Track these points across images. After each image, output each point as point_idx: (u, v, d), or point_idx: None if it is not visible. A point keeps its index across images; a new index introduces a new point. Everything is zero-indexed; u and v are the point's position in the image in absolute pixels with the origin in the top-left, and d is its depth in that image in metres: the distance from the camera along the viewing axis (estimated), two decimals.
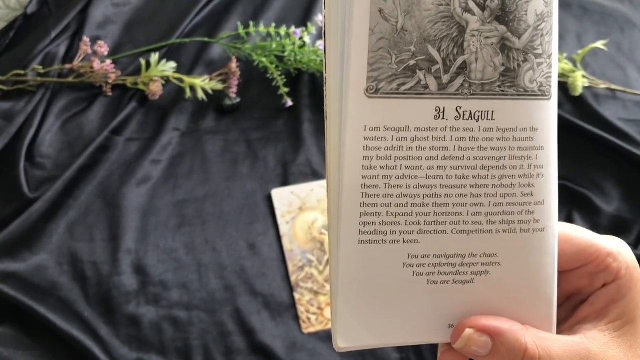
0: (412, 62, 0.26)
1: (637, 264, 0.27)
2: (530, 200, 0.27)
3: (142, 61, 0.74)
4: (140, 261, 0.62)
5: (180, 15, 0.80)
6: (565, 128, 0.70)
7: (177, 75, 0.74)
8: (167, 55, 0.77)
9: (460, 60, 0.26)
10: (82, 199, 0.66)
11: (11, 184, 0.67)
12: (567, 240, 0.28)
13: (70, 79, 0.74)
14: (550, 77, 0.27)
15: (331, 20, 0.25)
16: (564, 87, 0.72)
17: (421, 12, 0.25)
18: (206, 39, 0.79)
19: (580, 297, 0.28)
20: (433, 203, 0.27)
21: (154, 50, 0.77)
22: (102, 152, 0.70)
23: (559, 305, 0.28)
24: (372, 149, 0.26)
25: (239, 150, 0.71)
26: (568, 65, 0.71)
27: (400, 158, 0.26)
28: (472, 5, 0.26)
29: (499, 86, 0.26)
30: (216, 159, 0.70)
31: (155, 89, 0.73)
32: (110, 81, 0.74)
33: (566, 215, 0.64)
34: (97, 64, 0.73)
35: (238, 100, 0.74)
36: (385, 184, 0.26)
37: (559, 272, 0.28)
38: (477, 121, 0.26)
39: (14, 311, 0.59)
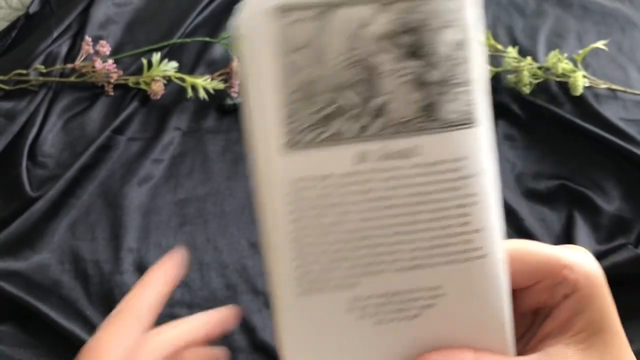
0: (328, 111, 0.25)
1: (600, 272, 0.27)
2: (467, 229, 0.26)
3: (144, 61, 0.74)
4: (142, 260, 0.63)
5: (182, 15, 0.80)
6: (565, 128, 0.70)
7: (179, 75, 0.74)
8: (169, 55, 0.77)
9: (376, 102, 0.25)
10: (83, 198, 0.67)
11: (13, 183, 0.67)
12: (520, 258, 0.27)
13: (72, 79, 0.75)
14: (472, 104, 0.26)
15: (246, 78, 0.25)
16: (564, 87, 0.72)
17: (330, 60, 0.25)
18: (208, 39, 0.79)
19: (545, 313, 0.27)
20: (368, 245, 0.26)
21: (156, 50, 0.77)
22: (104, 152, 0.70)
23: (528, 324, 0.28)
24: (299, 200, 0.25)
25: (240, 150, 0.71)
26: (569, 65, 0.72)
27: (329, 206, 0.25)
28: (382, 46, 0.25)
29: (422, 121, 0.26)
30: (217, 159, 0.70)
31: (157, 89, 0.73)
32: (112, 81, 0.74)
33: (566, 215, 0.64)
34: (98, 64, 0.73)
35: (239, 99, 0.75)
36: (317, 233, 0.25)
37: (519, 290, 0.27)
38: (401, 159, 0.26)
39: (15, 309, 0.59)
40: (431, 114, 0.26)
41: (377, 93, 0.25)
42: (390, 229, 0.26)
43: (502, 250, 0.27)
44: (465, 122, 0.26)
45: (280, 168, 0.25)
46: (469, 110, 0.26)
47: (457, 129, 0.26)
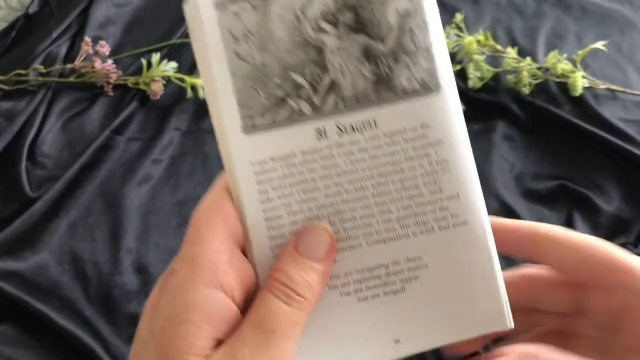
0: (280, 93, 0.26)
1: None
2: (441, 196, 0.26)
3: (143, 61, 0.74)
4: (141, 260, 0.63)
5: (181, 16, 0.80)
6: (565, 128, 0.70)
7: (178, 75, 0.74)
8: (168, 55, 0.77)
9: (326, 79, 0.26)
10: (83, 199, 0.66)
11: (12, 183, 0.67)
12: (569, 245, 0.27)
13: (71, 79, 0.75)
14: (433, 70, 0.26)
15: (200, 69, 0.26)
16: (564, 88, 0.72)
17: (276, 44, 0.26)
18: None
19: (617, 324, 0.26)
20: (339, 220, 0.26)
21: (155, 50, 0.77)
22: (103, 152, 0.70)
23: (604, 336, 0.27)
24: (265, 181, 0.26)
25: None
26: (568, 66, 0.72)
27: (295, 184, 0.26)
28: (324, 25, 0.26)
29: (375, 94, 0.26)
30: (217, 159, 0.70)
31: (157, 89, 0.73)
32: (111, 81, 0.74)
33: (566, 215, 0.64)
34: (98, 64, 0.73)
35: None
36: (288, 212, 0.26)
37: (581, 293, 0.26)
38: (360, 132, 0.26)
39: (14, 310, 0.59)
40: (384, 85, 0.26)
41: (326, 71, 0.26)
42: (358, 202, 0.26)
43: (485, 218, 0.27)
44: (423, 89, 0.26)
45: (242, 152, 0.26)
46: (427, 77, 0.26)
47: (414, 97, 0.26)
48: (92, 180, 0.68)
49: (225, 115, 0.26)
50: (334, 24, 0.26)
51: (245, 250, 0.26)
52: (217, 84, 0.26)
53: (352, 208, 0.26)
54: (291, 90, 0.26)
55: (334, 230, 0.26)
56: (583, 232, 0.63)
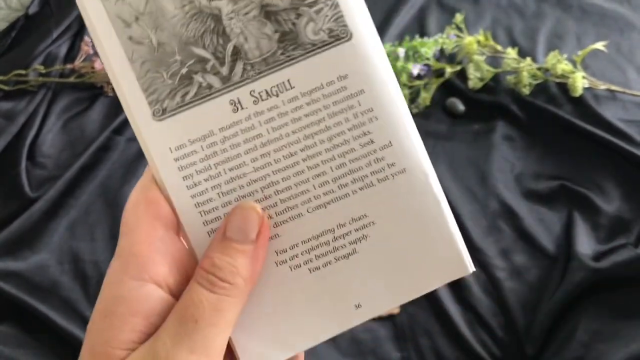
0: (184, 70, 0.25)
1: None
2: (374, 147, 0.25)
3: None
4: None
5: None
6: (565, 128, 0.70)
7: None
8: None
9: (229, 47, 0.25)
10: (83, 199, 0.66)
11: (12, 184, 0.67)
12: None
13: (71, 79, 0.75)
14: (340, 17, 0.25)
15: (101, 61, 0.25)
16: (564, 88, 0.72)
17: (169, 20, 0.25)
18: None
19: None
20: (274, 192, 0.25)
21: None
22: (103, 152, 0.70)
23: None
24: (188, 166, 0.25)
25: None
26: (568, 66, 0.72)
27: (220, 163, 0.25)
28: None
29: (282, 53, 0.25)
30: None
31: None
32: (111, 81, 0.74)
33: (566, 215, 0.64)
34: (98, 64, 0.73)
35: None
36: (218, 193, 0.25)
37: None
38: (277, 96, 0.25)
39: (14, 310, 0.59)
40: (291, 42, 0.25)
41: (227, 38, 0.25)
42: (289, 170, 0.25)
43: (425, 162, 0.26)
44: (334, 38, 0.25)
45: (158, 139, 0.25)
46: (338, 24, 0.25)
47: (325, 49, 0.25)
48: (92, 180, 0.68)
49: (133, 104, 0.25)
50: None
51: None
52: (117, 73, 0.24)
53: (285, 177, 0.25)
54: (195, 65, 0.25)
55: (271, 204, 0.25)
56: (583, 233, 0.63)
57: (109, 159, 0.70)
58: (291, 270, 0.25)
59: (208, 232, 0.25)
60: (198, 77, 0.25)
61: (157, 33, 0.25)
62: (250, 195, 0.25)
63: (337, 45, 0.25)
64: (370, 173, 0.25)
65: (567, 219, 0.64)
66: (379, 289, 0.26)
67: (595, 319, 0.55)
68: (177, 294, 0.24)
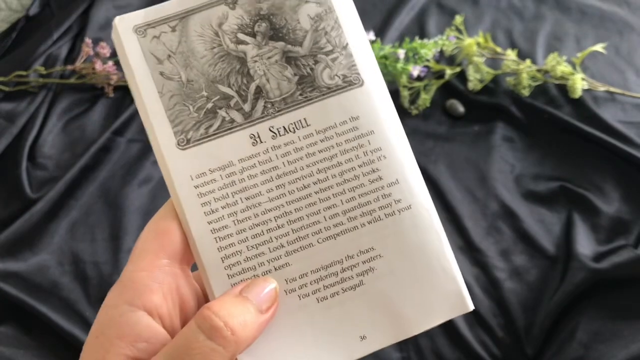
0: (209, 105, 0.27)
1: None
2: (381, 184, 0.27)
3: None
4: None
5: None
6: (564, 130, 0.71)
7: None
8: None
9: (252, 86, 0.27)
10: (83, 200, 0.67)
11: (13, 184, 0.67)
12: None
13: (72, 80, 0.75)
14: (353, 65, 0.28)
15: (131, 92, 0.27)
16: (563, 90, 0.73)
17: (198, 60, 0.27)
18: None
19: None
20: (287, 222, 0.27)
21: None
22: (104, 153, 0.70)
23: None
24: (207, 193, 0.26)
25: None
26: (567, 68, 0.72)
27: (237, 192, 0.26)
28: (242, 36, 0.27)
29: (300, 94, 0.27)
30: None
31: None
32: (112, 82, 0.74)
33: (566, 216, 0.64)
34: (99, 65, 0.73)
35: None
36: (233, 221, 0.26)
37: None
38: (293, 132, 0.27)
39: (15, 311, 0.59)
40: (308, 84, 0.27)
41: (251, 79, 0.27)
42: (302, 202, 0.27)
43: (428, 200, 0.27)
44: (348, 83, 0.27)
45: (180, 167, 0.26)
46: (351, 71, 0.28)
47: (339, 93, 0.27)
48: (93, 181, 0.68)
49: (159, 133, 0.27)
50: (252, 34, 0.27)
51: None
52: (147, 104, 0.27)
53: (298, 208, 0.27)
54: (220, 101, 0.27)
55: (283, 233, 0.26)
56: (583, 234, 0.63)
57: (110, 160, 0.70)
58: (300, 299, 0.26)
59: (222, 258, 0.26)
60: (222, 112, 0.27)
61: (187, 70, 0.27)
62: (264, 224, 0.27)
63: (350, 90, 0.27)
64: (378, 208, 0.27)
65: (566, 219, 0.64)
66: (383, 322, 0.27)
67: (595, 320, 0.55)
68: (168, 323, 0.25)
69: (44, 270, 0.62)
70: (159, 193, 0.68)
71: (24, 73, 0.74)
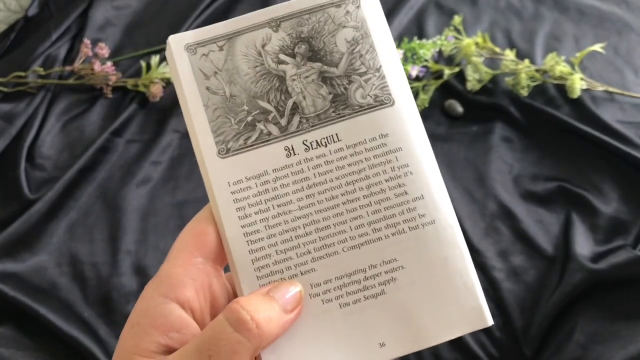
0: (249, 118, 0.29)
1: None
2: (407, 198, 0.29)
3: (143, 63, 0.74)
4: (140, 262, 0.63)
5: (181, 18, 0.81)
6: (563, 130, 0.71)
7: None
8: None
9: (290, 102, 0.29)
10: (82, 200, 0.67)
11: (12, 185, 0.67)
12: None
13: (70, 81, 0.75)
14: (385, 86, 0.30)
15: (180, 103, 0.29)
16: (562, 90, 0.73)
17: (242, 77, 0.29)
18: None
19: None
20: (315, 229, 0.28)
21: (155, 52, 0.77)
22: (103, 154, 0.70)
23: None
24: (242, 199, 0.28)
25: None
26: (566, 68, 0.72)
27: (270, 199, 0.29)
28: (283, 57, 0.30)
29: (334, 111, 0.29)
30: None
31: (156, 91, 0.73)
32: (110, 83, 0.74)
33: (565, 217, 0.64)
34: (97, 66, 0.73)
35: None
36: (265, 226, 0.28)
37: None
38: (325, 146, 0.29)
39: (13, 311, 0.59)
40: (342, 103, 0.29)
41: (288, 95, 0.30)
42: (330, 211, 0.29)
43: (452, 216, 0.29)
44: (379, 103, 0.29)
45: (219, 174, 0.29)
46: (383, 92, 0.30)
47: (370, 111, 0.29)
48: (91, 182, 0.68)
49: (202, 142, 0.29)
50: (292, 55, 0.30)
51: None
52: (193, 115, 0.29)
53: (326, 217, 0.28)
54: (259, 115, 0.29)
55: (311, 240, 0.28)
56: (581, 234, 0.63)
57: (108, 160, 0.70)
58: (323, 303, 0.28)
59: (252, 260, 0.28)
60: (260, 125, 0.29)
61: (231, 86, 0.29)
62: (293, 230, 0.28)
63: (381, 109, 0.29)
64: (403, 221, 0.29)
65: (565, 220, 0.64)
66: (403, 331, 0.28)
67: (593, 320, 0.55)
68: (199, 316, 0.27)
69: (42, 271, 0.62)
70: (158, 194, 0.68)
71: (22, 74, 0.74)
